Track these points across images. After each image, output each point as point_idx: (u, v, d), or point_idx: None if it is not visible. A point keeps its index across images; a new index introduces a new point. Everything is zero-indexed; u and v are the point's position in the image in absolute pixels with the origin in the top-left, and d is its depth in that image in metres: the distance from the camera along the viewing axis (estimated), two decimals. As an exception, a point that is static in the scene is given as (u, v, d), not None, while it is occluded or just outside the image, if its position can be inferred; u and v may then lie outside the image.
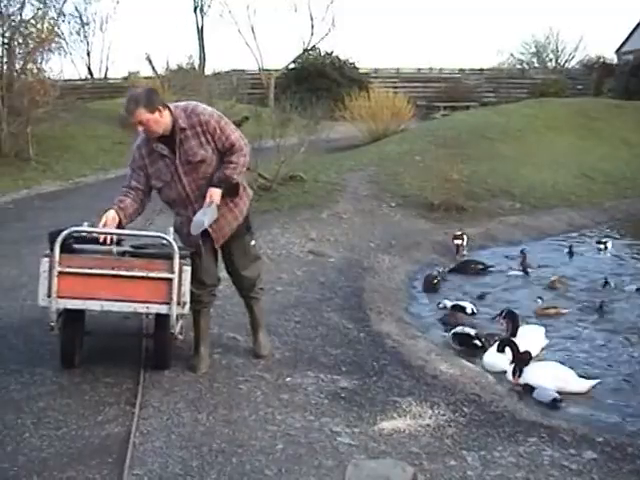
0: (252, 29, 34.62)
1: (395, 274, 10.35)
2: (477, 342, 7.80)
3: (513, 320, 7.77)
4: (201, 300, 6.44)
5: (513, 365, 6.92)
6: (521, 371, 6.87)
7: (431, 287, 10.14)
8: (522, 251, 11.53)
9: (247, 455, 5.04)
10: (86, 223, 6.42)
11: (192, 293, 6.09)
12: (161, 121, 6.07)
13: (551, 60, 49.07)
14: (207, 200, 6.07)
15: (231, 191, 6.27)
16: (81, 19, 40.39)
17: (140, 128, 6.08)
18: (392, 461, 4.88)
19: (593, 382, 6.87)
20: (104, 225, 6.01)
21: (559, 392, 6.62)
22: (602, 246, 12.82)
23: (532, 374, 6.83)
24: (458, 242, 11.78)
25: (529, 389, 6.66)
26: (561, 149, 19.91)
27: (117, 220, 6.06)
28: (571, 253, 12.28)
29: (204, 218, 5.98)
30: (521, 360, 6.96)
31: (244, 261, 6.62)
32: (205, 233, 6.23)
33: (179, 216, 6.38)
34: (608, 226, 15.17)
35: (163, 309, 5.89)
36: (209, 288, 6.51)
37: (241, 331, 7.32)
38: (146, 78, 28.55)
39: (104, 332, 6.95)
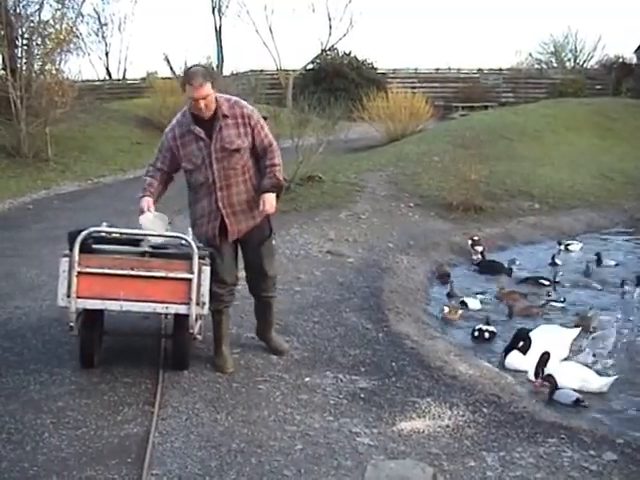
0: (270, 29, 34.77)
1: (414, 274, 10.33)
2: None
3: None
4: (222, 299, 6.46)
5: (535, 367, 6.92)
6: (542, 372, 6.86)
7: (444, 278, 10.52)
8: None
9: (266, 455, 5.04)
10: (105, 223, 6.43)
11: (214, 292, 6.14)
12: (214, 101, 6.17)
13: (569, 60, 48.74)
14: (264, 207, 6.21)
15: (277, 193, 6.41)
16: (99, 20, 40.70)
17: (202, 103, 6.07)
18: (412, 462, 4.87)
19: (612, 379, 6.88)
20: (147, 209, 6.20)
21: (581, 392, 6.61)
22: (562, 247, 12.78)
23: (556, 375, 6.80)
24: (480, 248, 11.72)
25: (554, 386, 6.61)
26: (580, 149, 19.85)
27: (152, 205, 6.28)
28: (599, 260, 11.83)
29: (149, 224, 6.15)
30: (541, 361, 6.94)
31: (269, 260, 6.67)
32: (223, 228, 6.32)
33: (198, 203, 6.41)
34: (625, 225, 15.09)
35: (182, 309, 5.89)
36: (230, 287, 6.53)
37: (260, 331, 7.32)
38: (164, 79, 28.59)
39: (123, 332, 6.98)
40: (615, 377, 6.95)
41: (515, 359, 7.36)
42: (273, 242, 6.73)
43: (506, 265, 11.28)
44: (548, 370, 6.87)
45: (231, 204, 6.30)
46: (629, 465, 5.13)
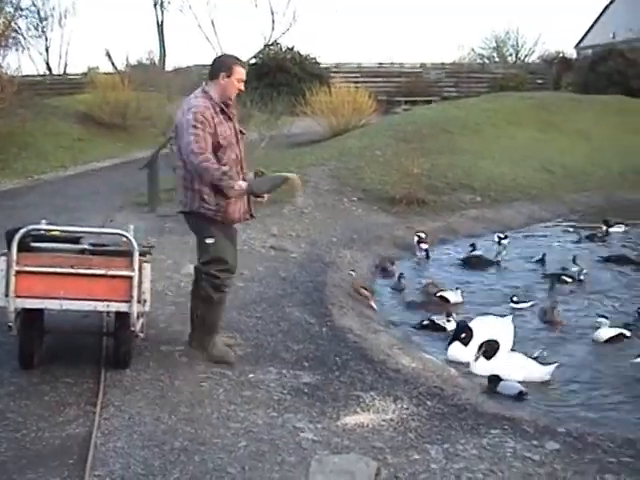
0: (212, 24, 34.48)
1: (357, 268, 10.35)
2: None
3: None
4: (229, 285, 6.67)
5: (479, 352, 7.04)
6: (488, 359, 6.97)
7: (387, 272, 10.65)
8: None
9: (209, 453, 5.01)
10: (44, 221, 6.35)
11: (222, 280, 6.43)
12: None
13: (511, 55, 49.30)
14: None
15: None
16: (39, 14, 40.04)
17: (240, 86, 6.48)
18: (356, 456, 4.89)
19: (553, 366, 7.00)
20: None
21: (524, 381, 6.70)
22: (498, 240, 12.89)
23: (499, 366, 6.89)
24: (425, 246, 11.77)
25: (496, 380, 6.68)
26: (521, 143, 20.03)
27: None
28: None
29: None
30: (489, 349, 7.03)
31: None
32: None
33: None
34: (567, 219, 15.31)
35: (123, 307, 5.84)
36: (233, 275, 6.73)
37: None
38: (106, 74, 28.28)
39: (63, 331, 6.88)
40: (556, 365, 7.05)
41: (457, 350, 7.43)
42: None
43: (492, 259, 11.47)
44: (495, 360, 6.97)
45: None
46: (570, 454, 5.20)
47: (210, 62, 6.70)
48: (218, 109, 6.37)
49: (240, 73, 6.42)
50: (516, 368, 6.92)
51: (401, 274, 10.19)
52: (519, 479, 4.83)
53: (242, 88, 6.51)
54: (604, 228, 13.79)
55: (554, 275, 10.61)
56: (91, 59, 67.18)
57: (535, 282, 10.56)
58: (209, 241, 6.39)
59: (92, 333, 7.04)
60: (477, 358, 7.08)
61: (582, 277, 10.50)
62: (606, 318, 8.26)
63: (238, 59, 6.57)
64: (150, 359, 6.51)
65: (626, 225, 14.24)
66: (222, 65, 6.45)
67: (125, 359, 6.30)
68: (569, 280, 10.43)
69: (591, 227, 13.91)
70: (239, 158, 6.52)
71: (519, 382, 6.72)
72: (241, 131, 6.70)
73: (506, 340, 7.59)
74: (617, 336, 8.09)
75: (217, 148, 6.31)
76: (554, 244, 13.12)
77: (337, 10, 76.99)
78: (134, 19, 61.89)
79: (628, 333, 8.22)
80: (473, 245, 12.13)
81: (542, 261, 11.39)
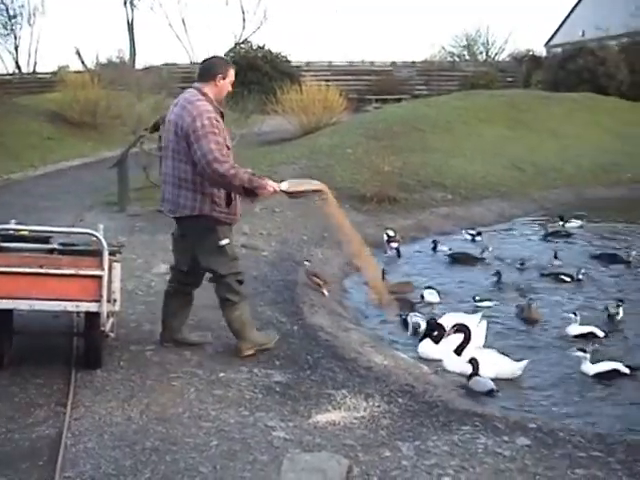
0: (183, 22, 34.30)
1: (328, 267, 10.36)
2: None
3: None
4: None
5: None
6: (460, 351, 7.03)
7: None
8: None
9: (181, 452, 4.99)
10: (13, 221, 6.31)
11: (242, 275, 6.71)
12: None
13: (481, 53, 49.57)
14: None
15: None
16: (8, 12, 39.73)
17: (230, 89, 6.63)
18: (327, 454, 4.90)
19: (524, 362, 7.04)
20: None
21: (496, 377, 6.75)
22: (469, 237, 13.05)
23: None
24: (395, 244, 11.80)
25: (475, 368, 6.73)
26: (491, 140, 20.14)
27: None
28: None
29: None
30: (465, 339, 7.11)
31: None
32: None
33: None
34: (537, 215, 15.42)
35: (93, 307, 5.82)
36: None
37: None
38: (76, 72, 28.08)
39: (33, 332, 6.83)
40: (527, 361, 7.10)
41: (428, 348, 7.45)
42: None
43: (478, 255, 11.53)
44: (467, 355, 7.01)
45: None
46: (541, 449, 5.24)
47: (202, 63, 6.71)
48: (218, 113, 6.39)
49: (233, 75, 6.55)
50: (488, 364, 6.96)
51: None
52: (490, 475, 4.84)
53: (230, 89, 6.63)
54: (560, 223, 13.95)
55: (553, 274, 10.59)
56: (61, 58, 66.73)
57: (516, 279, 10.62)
58: (225, 242, 6.44)
59: (62, 333, 6.99)
60: (448, 334, 7.14)
61: (581, 277, 10.43)
62: (575, 315, 8.31)
63: (230, 63, 6.71)
64: (121, 359, 6.48)
65: (582, 219, 14.37)
66: (219, 67, 6.50)
67: (95, 359, 6.27)
68: (567, 279, 10.39)
69: (552, 224, 14.03)
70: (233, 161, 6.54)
71: (492, 378, 6.76)
72: None
73: (478, 337, 7.63)
74: (588, 334, 8.12)
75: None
76: (520, 241, 13.24)
77: (337, 10, 77.24)
78: (104, 17, 61.67)
79: (600, 332, 8.24)
80: (435, 242, 12.25)
81: (498, 275, 10.65)
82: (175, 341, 6.92)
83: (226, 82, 6.49)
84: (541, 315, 8.81)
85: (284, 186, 6.39)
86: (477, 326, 7.80)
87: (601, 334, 8.20)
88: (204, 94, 6.37)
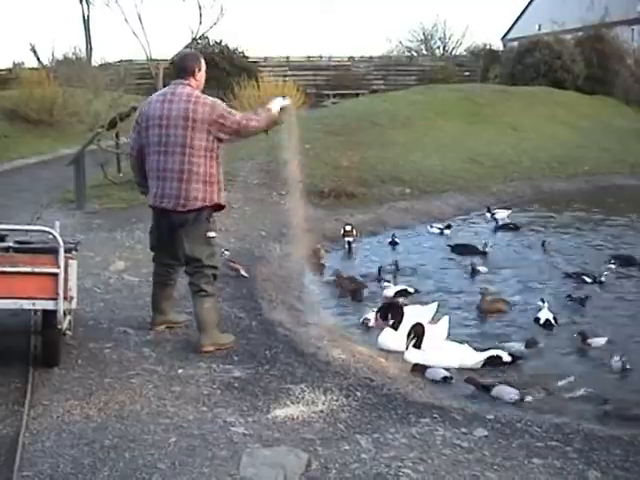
0: (139, 18, 34.09)
1: (287, 262, 10.37)
2: None
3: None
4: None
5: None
6: (419, 344, 7.04)
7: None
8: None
9: (139, 450, 4.97)
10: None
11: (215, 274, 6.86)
12: None
13: (439, 47, 49.93)
14: None
15: None
16: (-40, 8, 39.24)
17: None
18: (286, 448, 4.92)
19: (486, 354, 7.07)
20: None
21: (460, 367, 6.85)
22: (437, 230, 13.17)
23: (434, 354, 6.97)
24: (349, 239, 11.83)
25: (421, 369, 6.77)
26: (449, 134, 20.25)
27: None
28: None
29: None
30: (417, 333, 7.11)
31: None
32: None
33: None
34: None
35: (49, 305, 5.78)
36: None
37: (132, 324, 7.27)
38: (31, 69, 27.80)
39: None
40: (489, 353, 7.13)
41: (388, 338, 7.45)
42: None
43: (480, 248, 11.57)
44: (427, 348, 7.04)
45: None
46: (499, 440, 5.28)
47: (176, 60, 7.11)
48: None
49: (204, 65, 6.98)
50: (450, 355, 7.00)
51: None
52: (449, 466, 4.87)
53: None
54: (488, 215, 14.19)
55: (575, 274, 10.29)
56: (16, 54, 65.85)
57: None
58: (212, 234, 6.78)
59: (19, 332, 6.94)
60: (408, 346, 7.14)
61: (603, 279, 10.04)
62: (543, 302, 8.40)
63: (198, 54, 7.29)
64: (79, 357, 6.45)
65: (508, 209, 14.55)
66: (195, 61, 6.87)
67: (53, 357, 6.23)
68: (589, 280, 10.00)
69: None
70: None
71: (455, 369, 6.82)
72: None
73: (440, 329, 7.66)
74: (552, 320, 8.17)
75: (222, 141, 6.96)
76: (472, 233, 13.38)
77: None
78: (59, 13, 61.04)
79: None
80: (393, 236, 12.32)
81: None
82: (167, 322, 7.21)
83: (202, 74, 6.89)
84: (502, 306, 8.83)
85: (280, 104, 7.16)
86: (436, 319, 7.86)
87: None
88: (192, 87, 6.75)
